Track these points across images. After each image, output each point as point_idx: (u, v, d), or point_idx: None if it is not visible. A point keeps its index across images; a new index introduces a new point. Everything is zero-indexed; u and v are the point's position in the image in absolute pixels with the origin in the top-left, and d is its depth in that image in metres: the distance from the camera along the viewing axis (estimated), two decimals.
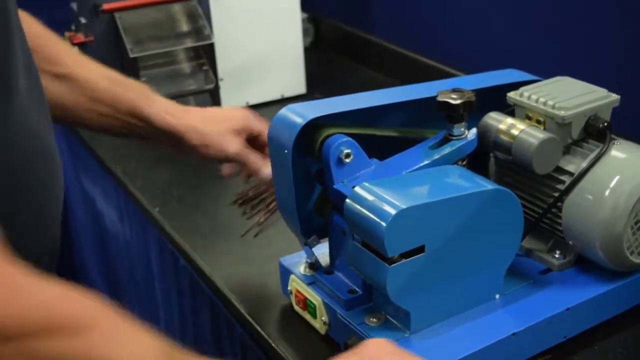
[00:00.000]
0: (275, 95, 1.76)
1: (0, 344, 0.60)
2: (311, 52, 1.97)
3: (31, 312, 0.62)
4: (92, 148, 1.62)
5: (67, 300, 0.65)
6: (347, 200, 0.89)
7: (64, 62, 1.08)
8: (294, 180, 0.96)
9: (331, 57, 2.06)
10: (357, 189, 0.89)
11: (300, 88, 1.78)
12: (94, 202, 1.87)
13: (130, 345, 0.66)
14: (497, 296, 0.96)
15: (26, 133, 0.82)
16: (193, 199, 1.41)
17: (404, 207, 0.84)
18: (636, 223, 0.94)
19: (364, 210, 0.87)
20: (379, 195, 0.87)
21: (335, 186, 0.94)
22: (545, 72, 1.13)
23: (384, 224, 0.84)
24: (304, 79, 1.78)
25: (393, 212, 0.84)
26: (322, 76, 1.89)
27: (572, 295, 0.96)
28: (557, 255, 1.01)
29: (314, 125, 0.95)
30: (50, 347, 0.62)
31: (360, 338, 0.91)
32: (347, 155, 0.94)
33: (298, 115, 0.95)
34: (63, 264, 0.84)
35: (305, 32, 1.91)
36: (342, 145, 0.94)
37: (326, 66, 2.00)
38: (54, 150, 0.89)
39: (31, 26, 0.99)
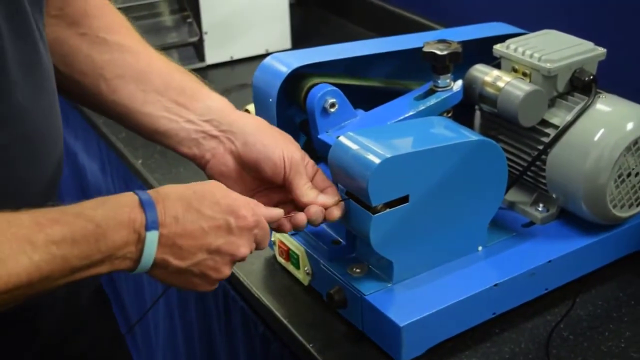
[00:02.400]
0: (260, 50, 1.74)
1: None
2: (297, 8, 1.95)
3: None
4: (74, 104, 1.60)
5: None
6: (332, 150, 0.89)
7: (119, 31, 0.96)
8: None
9: (316, 12, 2.04)
10: (342, 139, 0.89)
11: (286, 43, 1.77)
12: (76, 156, 1.85)
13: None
14: (480, 248, 0.96)
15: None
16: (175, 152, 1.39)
17: (388, 156, 0.84)
18: (619, 176, 0.95)
19: (348, 160, 0.86)
20: (364, 145, 0.87)
21: (319, 136, 0.94)
22: (532, 25, 1.12)
23: (368, 172, 0.84)
24: (289, 34, 1.77)
25: (377, 161, 0.84)
26: (307, 31, 1.87)
27: (555, 247, 0.96)
28: (540, 209, 1.01)
29: (299, 75, 0.95)
30: None
31: (343, 288, 0.92)
32: (332, 105, 0.94)
33: (283, 63, 0.95)
34: None
35: None
36: (327, 94, 0.93)
37: (311, 21, 1.99)
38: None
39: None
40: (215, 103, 0.91)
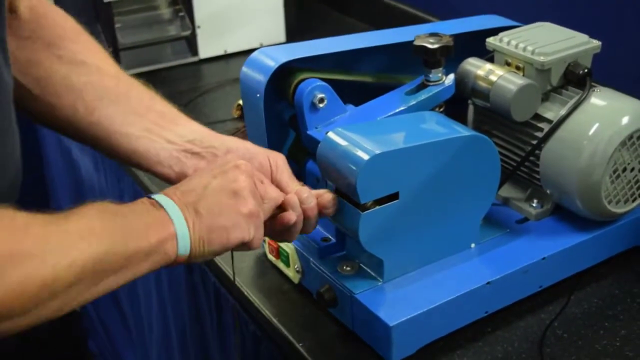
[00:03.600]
0: (254, 44, 1.72)
1: None
2: (292, 1, 1.93)
3: None
4: None
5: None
6: (320, 146, 0.87)
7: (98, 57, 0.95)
8: (267, 125, 0.94)
9: (312, 5, 2.02)
10: (330, 134, 0.87)
11: (280, 36, 1.75)
12: (70, 152, 1.84)
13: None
14: (473, 245, 0.94)
15: None
16: None
17: (377, 152, 0.82)
18: (614, 171, 0.93)
19: (337, 156, 0.85)
20: (353, 141, 0.85)
21: (308, 132, 0.92)
22: (527, 17, 1.10)
23: (356, 169, 0.82)
24: (284, 27, 1.75)
25: (366, 157, 0.82)
26: (301, 25, 1.85)
27: (549, 244, 0.95)
28: (534, 204, 0.99)
29: (288, 69, 0.93)
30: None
31: (333, 286, 0.90)
32: (321, 100, 0.92)
33: (271, 58, 0.93)
34: (37, 203, 0.82)
35: None
36: (316, 89, 0.91)
37: (307, 15, 1.97)
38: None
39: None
40: (197, 127, 0.92)
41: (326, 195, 0.86)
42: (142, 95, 0.93)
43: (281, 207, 0.84)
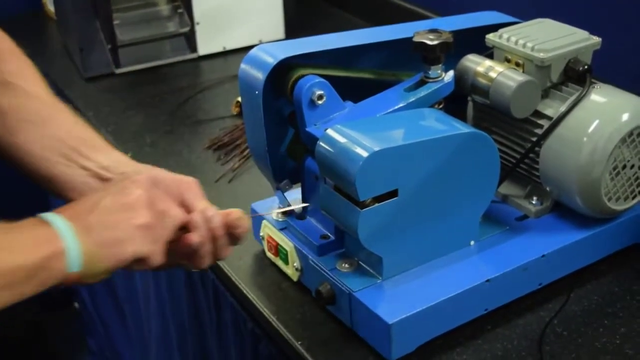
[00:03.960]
0: (253, 40, 1.72)
1: None
2: None
3: None
4: (64, 92, 1.58)
5: None
6: (319, 143, 0.87)
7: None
8: (265, 122, 0.93)
9: (310, 1, 2.01)
10: (329, 131, 0.87)
11: (279, 33, 1.75)
12: None
13: None
14: (472, 242, 0.94)
15: None
16: (167, 144, 1.38)
17: (376, 149, 0.82)
18: (614, 168, 0.92)
19: (336, 153, 0.84)
20: (352, 137, 0.84)
21: (307, 128, 0.92)
22: (527, 13, 1.10)
23: (355, 166, 0.81)
24: (283, 23, 1.75)
25: (365, 154, 0.82)
26: (301, 21, 1.84)
27: (549, 241, 0.94)
28: (534, 202, 0.99)
29: (286, 66, 0.93)
30: None
31: (332, 284, 0.90)
32: (320, 97, 0.91)
33: (269, 54, 0.92)
34: (38, 208, 0.81)
35: None
36: (315, 86, 0.91)
37: (306, 11, 1.96)
38: None
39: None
40: (115, 155, 0.90)
41: (234, 214, 0.83)
42: (66, 119, 0.91)
43: (185, 229, 0.80)
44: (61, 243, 0.71)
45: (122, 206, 0.76)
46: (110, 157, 0.89)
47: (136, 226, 0.75)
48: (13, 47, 0.94)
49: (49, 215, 0.73)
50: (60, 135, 0.89)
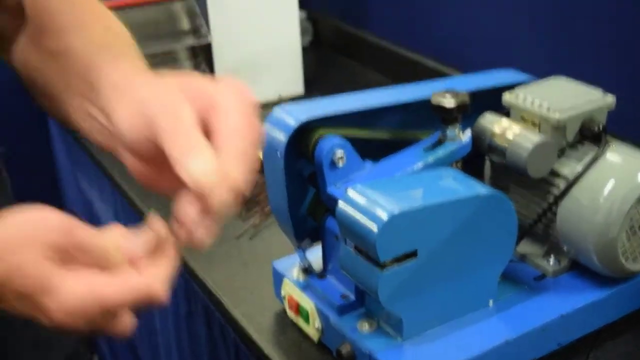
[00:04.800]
0: (273, 95, 1.74)
1: None
2: (309, 52, 1.96)
3: None
4: (89, 149, 1.61)
5: None
6: (339, 203, 0.88)
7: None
8: (287, 183, 0.95)
9: (329, 56, 2.05)
10: (350, 192, 0.88)
11: (298, 88, 1.77)
12: (92, 204, 1.86)
13: None
14: (491, 302, 0.95)
15: None
16: None
17: (396, 211, 0.83)
18: (631, 228, 0.93)
19: (356, 214, 0.86)
20: (372, 199, 0.86)
21: (328, 189, 0.93)
22: (542, 70, 1.12)
23: (376, 228, 0.83)
24: (302, 78, 1.77)
25: (385, 216, 0.83)
26: (320, 76, 1.87)
27: (567, 301, 0.95)
28: (551, 261, 1.00)
29: (307, 127, 0.94)
30: None
31: (352, 345, 0.91)
32: (340, 158, 0.93)
33: (291, 116, 0.94)
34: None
35: (303, 31, 1.90)
36: (335, 147, 0.93)
37: (324, 65, 1.99)
38: None
39: None
40: (104, 85, 0.72)
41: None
42: (83, 64, 0.76)
43: None
44: None
45: None
46: (115, 95, 0.70)
47: None
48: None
49: None
50: (84, 90, 0.75)
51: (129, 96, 0.67)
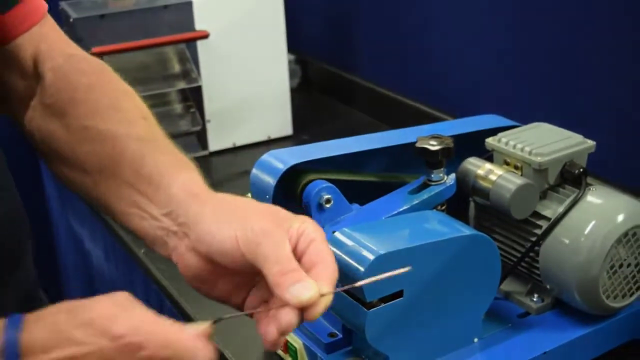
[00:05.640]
0: (262, 137, 1.77)
1: None
2: (298, 94, 1.99)
3: None
4: None
5: None
6: None
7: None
8: None
9: (318, 98, 2.08)
10: (337, 235, 0.91)
11: (287, 129, 1.80)
12: (82, 242, 1.88)
13: None
14: (476, 340, 0.97)
15: None
16: None
17: (382, 252, 0.86)
18: (612, 267, 0.96)
19: (343, 255, 0.88)
20: (358, 241, 0.88)
21: None
22: (525, 116, 1.15)
23: (362, 269, 0.85)
24: (291, 120, 1.80)
25: (371, 257, 0.86)
26: (308, 117, 1.90)
27: (550, 338, 0.97)
28: (535, 299, 1.02)
29: (295, 171, 0.97)
30: None
31: None
32: (328, 201, 0.96)
33: (279, 160, 0.97)
34: (52, 301, 0.80)
35: (292, 74, 1.94)
36: (323, 190, 0.95)
37: (313, 107, 2.02)
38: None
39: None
40: (176, 189, 0.76)
41: (316, 311, 0.69)
42: (135, 153, 0.80)
43: None
44: None
45: None
46: (171, 196, 0.75)
47: None
48: (90, 81, 0.87)
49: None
50: (129, 178, 0.78)
51: (220, 211, 0.73)
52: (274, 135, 1.78)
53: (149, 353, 0.64)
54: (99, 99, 0.86)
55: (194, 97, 1.71)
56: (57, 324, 0.64)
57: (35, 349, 0.62)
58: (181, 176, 0.78)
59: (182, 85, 1.69)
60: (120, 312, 0.65)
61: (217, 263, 0.73)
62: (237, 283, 0.76)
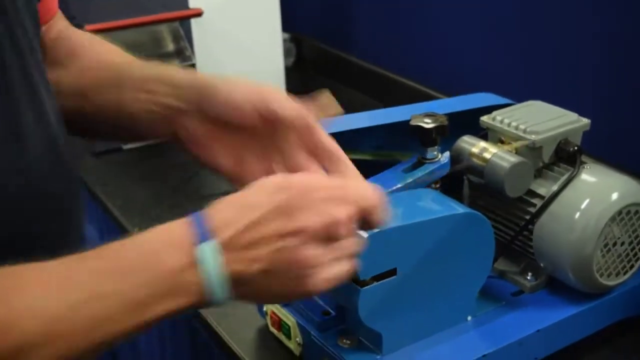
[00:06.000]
0: None
1: None
2: (293, 72, 1.98)
3: None
4: None
5: None
6: None
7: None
8: None
9: (312, 77, 2.07)
10: None
11: None
12: None
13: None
14: (469, 318, 0.97)
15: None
16: (172, 218, 1.40)
17: (375, 230, 0.85)
18: (605, 245, 0.96)
19: None
20: None
21: None
22: (520, 95, 1.14)
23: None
24: None
25: (365, 235, 0.85)
26: (303, 96, 1.89)
27: (543, 316, 0.97)
28: (529, 277, 1.02)
29: None
30: None
31: (333, 359, 0.93)
32: None
33: None
34: None
35: (287, 52, 1.93)
36: None
37: (308, 86, 2.01)
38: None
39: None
40: (181, 76, 0.86)
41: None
42: (137, 66, 0.91)
43: None
44: (200, 265, 0.65)
45: (293, 266, 0.68)
46: (177, 79, 0.85)
47: (304, 293, 0.69)
48: (82, 38, 0.97)
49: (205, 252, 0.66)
50: (134, 79, 0.87)
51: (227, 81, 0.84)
52: None
53: (325, 193, 0.70)
54: (97, 50, 0.96)
55: None
56: (235, 201, 0.69)
57: (221, 227, 0.66)
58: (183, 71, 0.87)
59: (176, 63, 1.68)
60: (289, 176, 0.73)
61: (223, 125, 0.82)
62: (235, 146, 0.84)
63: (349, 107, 1.12)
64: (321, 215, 0.69)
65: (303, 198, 0.69)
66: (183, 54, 1.67)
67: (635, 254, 0.99)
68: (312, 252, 0.68)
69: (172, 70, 0.87)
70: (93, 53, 0.95)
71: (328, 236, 0.69)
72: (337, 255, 0.70)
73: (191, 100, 0.83)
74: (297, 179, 0.72)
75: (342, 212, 0.70)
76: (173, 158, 1.64)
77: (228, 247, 0.66)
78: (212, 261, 0.65)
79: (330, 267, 0.70)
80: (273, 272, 0.68)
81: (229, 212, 0.68)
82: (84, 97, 0.89)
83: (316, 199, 0.69)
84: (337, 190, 0.71)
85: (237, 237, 0.67)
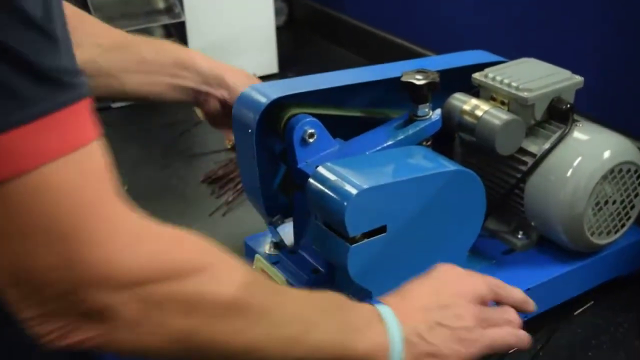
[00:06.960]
0: None
1: (118, 290, 0.62)
2: (284, 31, 1.96)
3: (153, 258, 0.65)
4: None
5: (182, 245, 0.71)
6: (310, 180, 0.89)
7: (107, 34, 1.10)
8: (258, 159, 0.96)
9: (304, 36, 2.05)
10: (320, 169, 0.89)
11: (273, 67, 1.78)
12: None
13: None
14: None
15: None
16: (161, 178, 1.40)
17: (365, 187, 0.85)
18: (597, 204, 0.95)
19: (326, 190, 0.87)
20: (341, 175, 0.87)
21: (298, 166, 0.95)
22: (512, 52, 1.13)
23: (345, 203, 0.84)
24: (276, 58, 1.78)
25: (354, 191, 0.84)
26: (294, 55, 1.88)
27: (534, 275, 0.97)
28: (520, 236, 1.02)
29: (278, 105, 0.95)
30: (162, 291, 0.65)
31: None
32: (311, 135, 0.94)
33: (262, 94, 0.95)
34: None
35: (278, 11, 1.90)
36: (306, 125, 0.94)
37: (299, 45, 2.00)
38: None
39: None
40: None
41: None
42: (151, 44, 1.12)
43: None
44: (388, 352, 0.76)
45: (455, 339, 0.79)
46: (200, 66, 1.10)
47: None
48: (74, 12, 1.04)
49: (385, 314, 0.79)
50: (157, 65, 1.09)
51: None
52: (259, 73, 1.74)
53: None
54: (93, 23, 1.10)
55: (177, 34, 1.69)
56: (430, 314, 0.81)
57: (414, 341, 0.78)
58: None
59: (165, 20, 1.66)
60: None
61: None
62: None
63: (340, 66, 1.10)
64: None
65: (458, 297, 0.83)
66: (172, 11, 1.65)
67: (627, 213, 0.99)
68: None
69: (189, 54, 1.10)
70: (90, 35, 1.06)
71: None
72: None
73: (213, 84, 1.08)
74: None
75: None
76: (163, 117, 1.63)
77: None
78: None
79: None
80: None
81: (422, 323, 0.80)
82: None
83: (472, 305, 0.83)
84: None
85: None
